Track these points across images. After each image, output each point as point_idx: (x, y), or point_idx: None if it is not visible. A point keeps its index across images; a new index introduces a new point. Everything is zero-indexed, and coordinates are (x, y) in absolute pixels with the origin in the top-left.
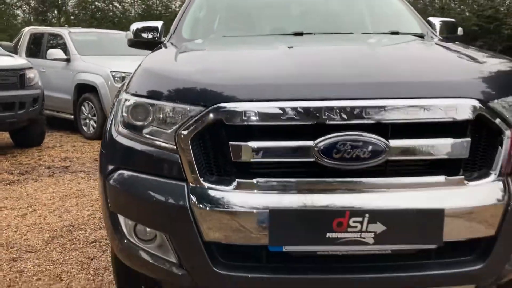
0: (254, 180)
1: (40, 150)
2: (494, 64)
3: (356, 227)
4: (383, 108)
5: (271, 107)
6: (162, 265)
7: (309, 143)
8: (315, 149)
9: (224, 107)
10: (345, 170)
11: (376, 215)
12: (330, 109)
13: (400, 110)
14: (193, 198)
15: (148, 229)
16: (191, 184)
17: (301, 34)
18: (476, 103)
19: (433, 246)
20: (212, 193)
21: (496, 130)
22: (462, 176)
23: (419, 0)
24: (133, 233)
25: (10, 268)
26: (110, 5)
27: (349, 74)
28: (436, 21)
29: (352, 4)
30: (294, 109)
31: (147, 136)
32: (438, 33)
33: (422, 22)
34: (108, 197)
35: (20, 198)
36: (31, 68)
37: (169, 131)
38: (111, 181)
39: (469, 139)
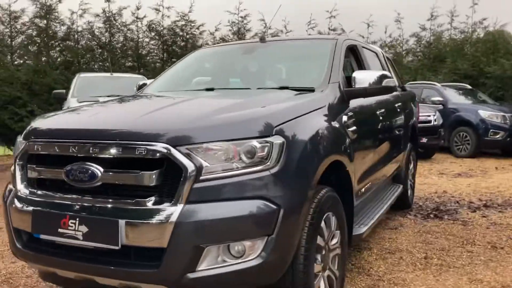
0: (35, 190)
1: None
2: (210, 117)
3: (72, 226)
4: (101, 147)
5: (48, 143)
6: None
7: (61, 168)
8: (63, 172)
9: (29, 142)
10: (73, 188)
11: (82, 219)
12: (74, 146)
13: (111, 150)
14: (12, 199)
15: None
16: (14, 190)
17: (212, 89)
18: (164, 147)
19: (115, 247)
20: (17, 196)
21: (179, 168)
22: (147, 199)
23: None
24: None
25: None
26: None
27: (95, 122)
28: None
29: (277, 64)
30: (59, 145)
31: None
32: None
33: (338, 77)
34: None
35: None
36: None
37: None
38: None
39: (155, 172)
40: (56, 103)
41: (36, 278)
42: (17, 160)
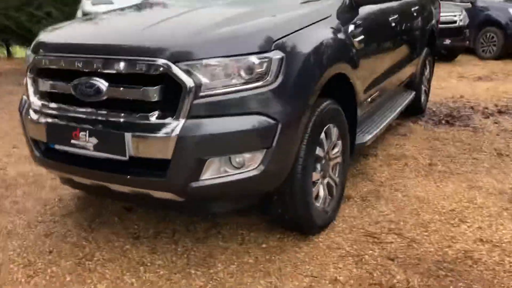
0: (47, 102)
1: None
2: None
3: (83, 138)
4: (105, 62)
5: (54, 58)
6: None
7: (69, 82)
8: (71, 86)
9: (37, 56)
10: (83, 101)
11: (92, 131)
12: (79, 61)
13: (117, 64)
14: (27, 110)
15: None
16: (28, 102)
17: None
18: (164, 63)
19: (123, 158)
20: (31, 108)
21: (179, 84)
22: (150, 114)
23: None
24: None
25: None
26: None
27: (100, 37)
28: None
29: None
30: (65, 60)
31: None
32: None
33: None
34: None
35: None
36: None
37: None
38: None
39: (156, 88)
40: (72, 4)
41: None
42: (28, 73)
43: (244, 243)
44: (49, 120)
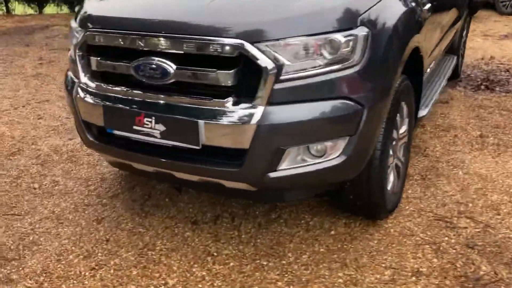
0: (102, 84)
1: None
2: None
3: (148, 124)
4: (172, 41)
5: (111, 34)
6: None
7: (129, 62)
8: (131, 67)
9: (88, 31)
10: (147, 84)
11: (158, 118)
12: (141, 39)
13: (186, 44)
14: (78, 90)
15: None
16: (78, 82)
17: None
18: (241, 43)
19: (196, 147)
20: (83, 88)
21: (258, 67)
22: (225, 100)
23: None
24: None
25: None
26: None
27: (159, 15)
28: None
29: None
30: (123, 37)
31: (72, 46)
32: None
33: None
34: None
35: None
36: None
37: (73, 43)
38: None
39: (232, 71)
40: None
41: (97, 156)
42: (77, 50)
43: (310, 229)
44: (108, 103)
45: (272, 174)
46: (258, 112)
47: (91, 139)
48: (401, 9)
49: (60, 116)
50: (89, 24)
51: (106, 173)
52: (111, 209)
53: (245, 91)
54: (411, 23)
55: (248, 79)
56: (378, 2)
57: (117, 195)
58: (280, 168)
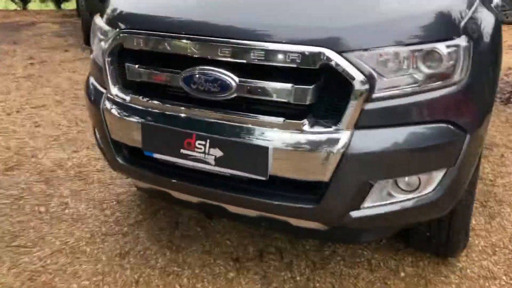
0: (139, 97)
1: None
2: (379, 12)
3: (201, 148)
4: (237, 48)
5: (154, 37)
6: (100, 146)
7: (178, 71)
8: (181, 78)
9: (123, 33)
10: (199, 99)
11: (214, 141)
12: (195, 44)
13: (251, 52)
14: (106, 103)
15: None
16: (107, 93)
17: None
18: (326, 53)
19: (262, 178)
20: (113, 101)
21: (345, 82)
22: (302, 121)
23: None
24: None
25: None
26: None
27: (221, 14)
28: None
29: None
30: (173, 41)
31: (97, 49)
32: None
33: None
34: None
35: None
36: None
37: (101, 46)
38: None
39: (312, 87)
40: None
41: (109, 173)
42: (107, 55)
43: (375, 269)
44: (148, 121)
45: (355, 213)
46: (343, 137)
47: (121, 162)
48: (491, 16)
49: (60, 124)
50: (124, 23)
51: (122, 193)
52: (135, 240)
53: (326, 111)
54: (500, 30)
55: (331, 97)
56: (474, 9)
57: (139, 222)
58: (364, 206)
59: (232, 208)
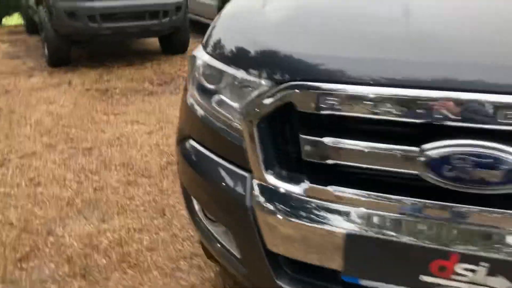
0: (331, 188)
1: (183, 59)
2: None
3: (465, 276)
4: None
5: (363, 92)
6: (226, 253)
7: (413, 149)
8: (421, 158)
9: (297, 87)
10: (459, 194)
11: (501, 265)
12: (451, 103)
13: None
14: (258, 196)
15: None
16: (255, 179)
17: None
18: None
19: None
20: (278, 194)
21: None
22: None
23: None
24: (201, 210)
25: (124, 193)
26: None
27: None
28: None
29: None
30: (396, 98)
31: (215, 106)
32: None
33: None
34: (178, 165)
35: (152, 113)
36: None
37: (236, 106)
38: (180, 150)
39: None
40: None
41: (163, 252)
42: (257, 122)
43: None
44: (356, 231)
45: None
46: None
47: (283, 285)
48: None
49: (65, 179)
50: (290, 75)
51: (197, 285)
52: None
53: None
54: None
55: None
56: None
57: None
58: None
59: None
